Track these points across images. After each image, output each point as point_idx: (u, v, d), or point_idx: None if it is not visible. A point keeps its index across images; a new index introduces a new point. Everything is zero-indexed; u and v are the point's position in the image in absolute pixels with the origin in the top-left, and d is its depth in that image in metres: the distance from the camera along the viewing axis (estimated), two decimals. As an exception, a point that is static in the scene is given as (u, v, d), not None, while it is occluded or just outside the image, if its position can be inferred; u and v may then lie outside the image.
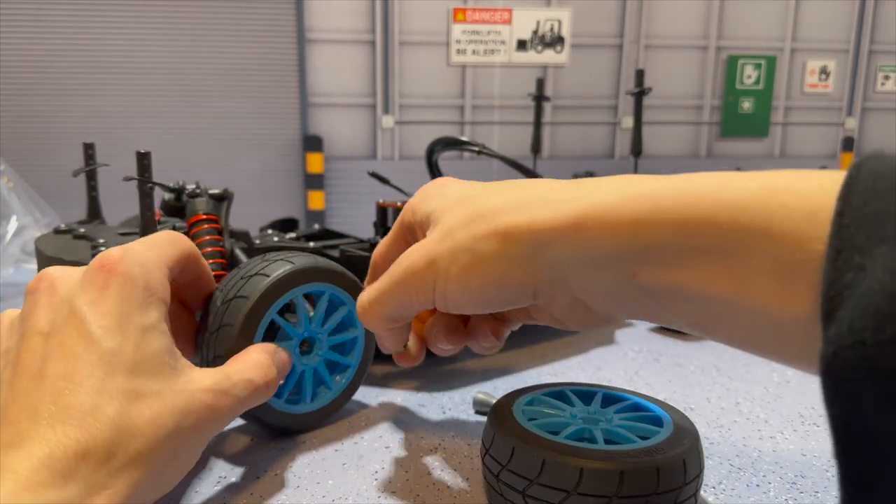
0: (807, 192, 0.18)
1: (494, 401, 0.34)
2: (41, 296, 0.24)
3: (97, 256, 0.25)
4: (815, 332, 0.16)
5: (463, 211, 0.26)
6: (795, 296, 0.18)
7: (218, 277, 0.44)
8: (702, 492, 0.32)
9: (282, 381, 0.33)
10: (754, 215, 0.18)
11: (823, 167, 0.91)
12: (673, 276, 0.21)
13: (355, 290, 0.38)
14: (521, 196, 0.25)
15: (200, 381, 0.26)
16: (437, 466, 0.35)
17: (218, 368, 0.28)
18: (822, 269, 0.16)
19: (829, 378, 0.15)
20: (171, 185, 0.48)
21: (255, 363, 0.29)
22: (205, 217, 0.45)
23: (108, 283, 0.24)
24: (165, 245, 0.28)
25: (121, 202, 0.92)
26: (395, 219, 0.56)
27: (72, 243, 0.48)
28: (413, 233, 0.30)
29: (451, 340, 0.31)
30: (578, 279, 0.24)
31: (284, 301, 0.35)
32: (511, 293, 0.25)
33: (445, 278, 0.26)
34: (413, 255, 0.27)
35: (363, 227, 0.74)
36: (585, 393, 0.33)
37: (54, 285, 0.25)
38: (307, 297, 0.37)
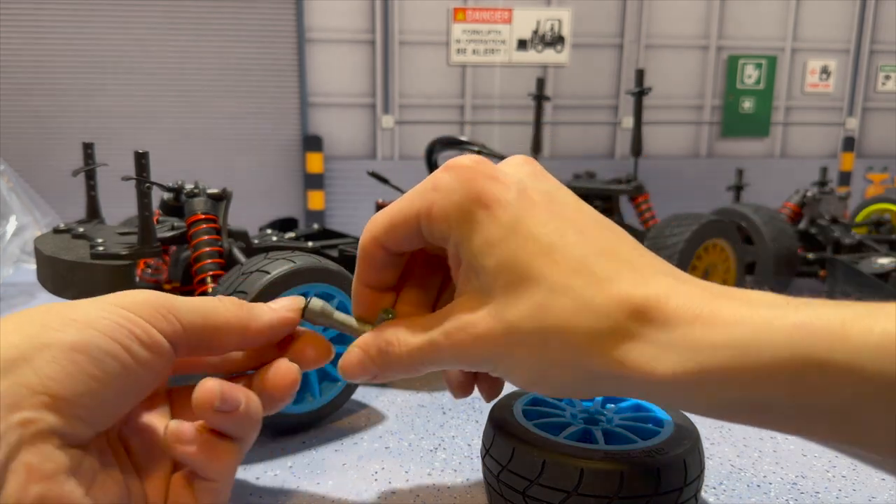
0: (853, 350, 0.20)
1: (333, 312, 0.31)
2: None
3: None
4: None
5: (520, 292, 0.23)
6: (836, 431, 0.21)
7: (216, 277, 0.44)
8: (702, 492, 0.32)
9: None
10: (812, 378, 0.21)
11: (824, 168, 0.91)
12: (755, 420, 0.23)
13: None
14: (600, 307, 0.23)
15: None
16: (437, 466, 0.34)
17: None
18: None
19: None
20: (170, 184, 0.48)
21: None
22: (203, 217, 0.44)
23: None
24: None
25: (120, 202, 0.92)
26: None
27: (71, 243, 0.48)
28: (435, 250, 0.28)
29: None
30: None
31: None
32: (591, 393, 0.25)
33: (513, 374, 0.24)
34: (473, 342, 0.24)
35: (363, 226, 0.73)
36: (586, 393, 0.33)
37: None
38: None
